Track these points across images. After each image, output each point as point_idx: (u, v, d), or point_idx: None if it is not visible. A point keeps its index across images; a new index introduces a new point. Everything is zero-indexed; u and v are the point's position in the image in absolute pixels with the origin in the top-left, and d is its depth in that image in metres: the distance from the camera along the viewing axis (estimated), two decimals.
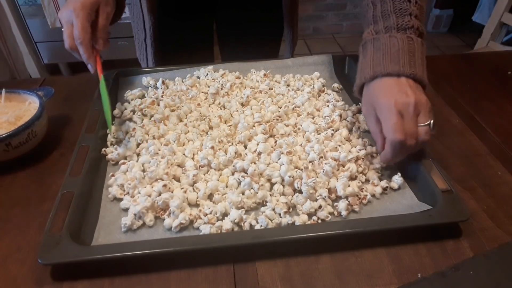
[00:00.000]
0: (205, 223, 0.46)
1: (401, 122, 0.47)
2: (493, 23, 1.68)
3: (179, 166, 0.54)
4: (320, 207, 0.47)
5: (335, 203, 0.48)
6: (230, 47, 0.98)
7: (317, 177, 0.50)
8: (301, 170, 0.51)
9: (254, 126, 0.59)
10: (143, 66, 0.88)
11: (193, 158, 0.54)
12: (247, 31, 0.92)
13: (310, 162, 0.53)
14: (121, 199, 0.49)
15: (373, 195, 0.49)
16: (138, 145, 0.57)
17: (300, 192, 0.49)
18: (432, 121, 0.48)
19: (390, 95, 0.48)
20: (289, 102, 0.66)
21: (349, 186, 0.49)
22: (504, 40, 1.80)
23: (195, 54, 0.90)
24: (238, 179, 0.50)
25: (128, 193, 0.50)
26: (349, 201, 0.47)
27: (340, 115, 0.61)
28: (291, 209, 0.48)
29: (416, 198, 0.49)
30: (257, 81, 0.71)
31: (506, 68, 0.80)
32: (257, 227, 0.45)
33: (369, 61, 0.52)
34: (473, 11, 2.62)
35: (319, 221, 0.46)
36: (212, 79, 0.71)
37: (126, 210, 0.48)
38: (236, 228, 0.45)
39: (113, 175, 0.52)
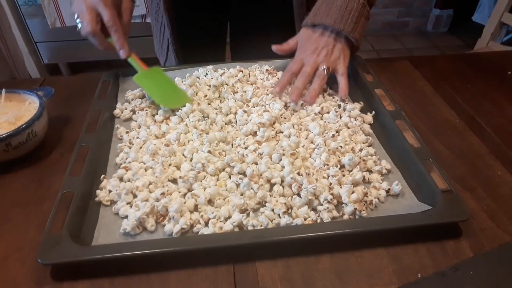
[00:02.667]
0: (206, 226, 0.46)
1: (291, 73, 0.65)
2: (493, 23, 1.68)
3: (176, 167, 0.53)
4: (318, 215, 0.46)
5: (342, 205, 0.48)
6: (242, 45, 0.98)
7: (317, 183, 0.49)
8: (302, 176, 0.50)
9: (257, 126, 0.59)
10: (162, 61, 0.89)
11: (191, 160, 0.54)
12: (261, 29, 0.91)
13: (315, 169, 0.52)
14: (108, 205, 0.49)
15: (377, 199, 0.49)
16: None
17: (298, 195, 0.49)
18: (325, 67, 0.64)
19: (309, 49, 0.66)
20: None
21: (353, 192, 0.48)
22: (504, 40, 1.80)
23: (210, 50, 0.91)
24: (237, 181, 0.50)
25: (113, 201, 0.49)
26: (355, 208, 0.47)
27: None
28: (290, 209, 0.48)
29: (416, 198, 0.49)
30: (261, 79, 0.71)
31: (506, 68, 0.80)
32: (257, 227, 0.45)
33: (315, 9, 0.67)
34: (473, 11, 2.62)
35: (319, 220, 0.46)
36: (211, 78, 0.70)
37: (125, 217, 0.47)
38: (236, 229, 0.45)
39: (105, 177, 0.51)
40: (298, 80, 0.64)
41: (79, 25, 0.63)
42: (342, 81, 0.65)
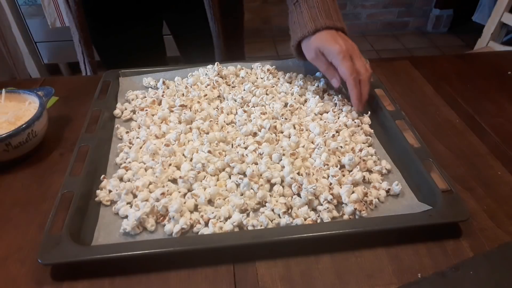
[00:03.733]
0: (206, 226, 0.45)
1: (352, 64, 0.60)
2: (493, 23, 1.68)
3: (176, 167, 0.53)
4: (318, 215, 0.46)
5: (342, 205, 0.48)
6: (190, 49, 0.98)
7: (317, 183, 0.49)
8: (302, 176, 0.50)
9: (257, 127, 0.59)
10: (82, 70, 0.86)
11: (191, 160, 0.54)
12: (200, 30, 0.88)
13: (315, 169, 0.52)
14: (108, 205, 0.49)
15: (377, 199, 0.49)
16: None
17: (299, 195, 0.49)
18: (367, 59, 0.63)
19: (338, 43, 0.60)
20: (294, 99, 0.66)
21: (353, 192, 0.48)
22: (504, 40, 1.80)
23: (145, 60, 0.83)
24: (237, 181, 0.50)
25: (113, 201, 0.49)
26: (355, 208, 0.47)
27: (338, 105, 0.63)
28: (290, 209, 0.48)
29: (416, 198, 0.49)
30: (261, 78, 0.71)
31: (506, 68, 0.80)
32: (258, 227, 0.45)
33: (308, 17, 0.63)
34: (473, 11, 2.62)
35: (319, 220, 0.46)
36: (211, 77, 0.70)
37: (125, 217, 0.47)
38: (236, 229, 0.45)
39: (105, 177, 0.51)
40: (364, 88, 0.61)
41: None
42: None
